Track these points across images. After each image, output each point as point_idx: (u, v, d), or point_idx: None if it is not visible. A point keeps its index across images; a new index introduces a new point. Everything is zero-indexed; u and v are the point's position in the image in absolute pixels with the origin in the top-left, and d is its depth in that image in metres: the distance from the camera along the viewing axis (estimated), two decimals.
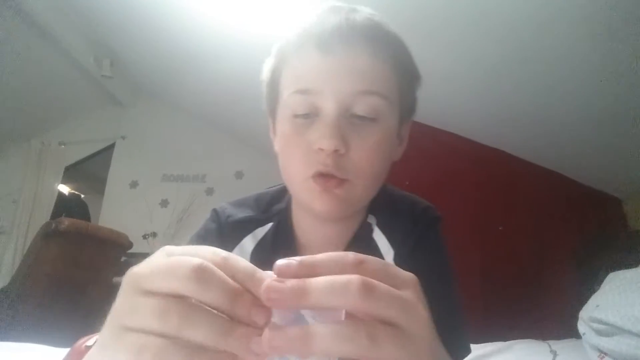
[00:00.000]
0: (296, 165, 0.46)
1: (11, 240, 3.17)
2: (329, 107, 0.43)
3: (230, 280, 0.22)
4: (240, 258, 0.24)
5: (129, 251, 2.41)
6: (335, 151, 0.42)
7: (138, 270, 0.24)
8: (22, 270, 1.69)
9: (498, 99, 1.97)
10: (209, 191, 3.48)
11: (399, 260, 0.51)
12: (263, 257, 0.53)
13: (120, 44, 2.94)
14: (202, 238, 0.54)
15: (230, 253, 0.24)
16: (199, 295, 0.22)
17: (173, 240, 3.08)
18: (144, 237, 3.03)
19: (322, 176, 0.43)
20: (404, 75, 0.47)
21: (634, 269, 1.00)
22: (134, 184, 3.54)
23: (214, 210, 0.56)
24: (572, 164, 2.24)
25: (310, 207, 0.46)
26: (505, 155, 2.27)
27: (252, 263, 0.54)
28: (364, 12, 0.46)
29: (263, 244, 0.53)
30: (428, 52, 1.81)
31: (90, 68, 2.99)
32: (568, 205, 2.25)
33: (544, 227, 2.18)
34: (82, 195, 4.42)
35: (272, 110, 0.51)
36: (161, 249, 0.27)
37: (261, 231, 0.54)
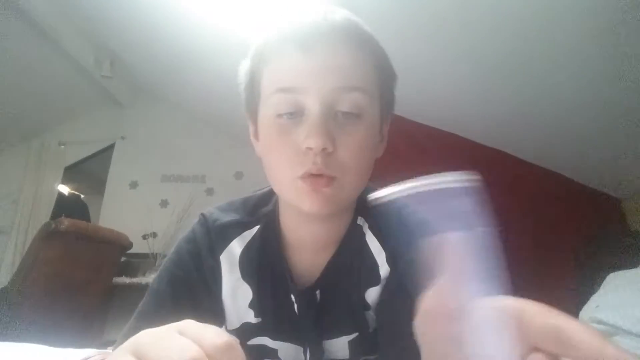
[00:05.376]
0: (283, 167, 0.45)
1: (11, 240, 3.17)
2: (313, 105, 0.43)
3: None
4: None
5: (129, 251, 2.41)
6: (324, 149, 0.42)
7: (145, 344, 0.22)
8: (22, 270, 1.69)
9: (498, 99, 1.97)
10: (209, 191, 3.48)
11: (391, 263, 0.52)
12: (251, 258, 0.54)
13: (120, 44, 2.94)
14: (191, 241, 0.55)
15: None
16: None
17: (172, 240, 3.08)
18: (144, 237, 3.03)
19: (312, 176, 0.43)
20: (383, 72, 0.48)
21: (633, 269, 1.00)
22: (133, 184, 3.54)
23: (202, 215, 0.57)
24: (572, 164, 2.25)
25: (298, 207, 0.46)
26: (506, 155, 2.27)
27: (241, 265, 0.54)
28: (342, 12, 0.47)
29: (251, 246, 0.54)
30: (429, 52, 1.81)
31: (90, 68, 2.99)
32: (568, 205, 2.25)
33: (544, 228, 2.18)
34: (82, 196, 4.41)
35: (253, 113, 0.51)
36: (170, 326, 0.24)
37: (249, 234, 0.55)
